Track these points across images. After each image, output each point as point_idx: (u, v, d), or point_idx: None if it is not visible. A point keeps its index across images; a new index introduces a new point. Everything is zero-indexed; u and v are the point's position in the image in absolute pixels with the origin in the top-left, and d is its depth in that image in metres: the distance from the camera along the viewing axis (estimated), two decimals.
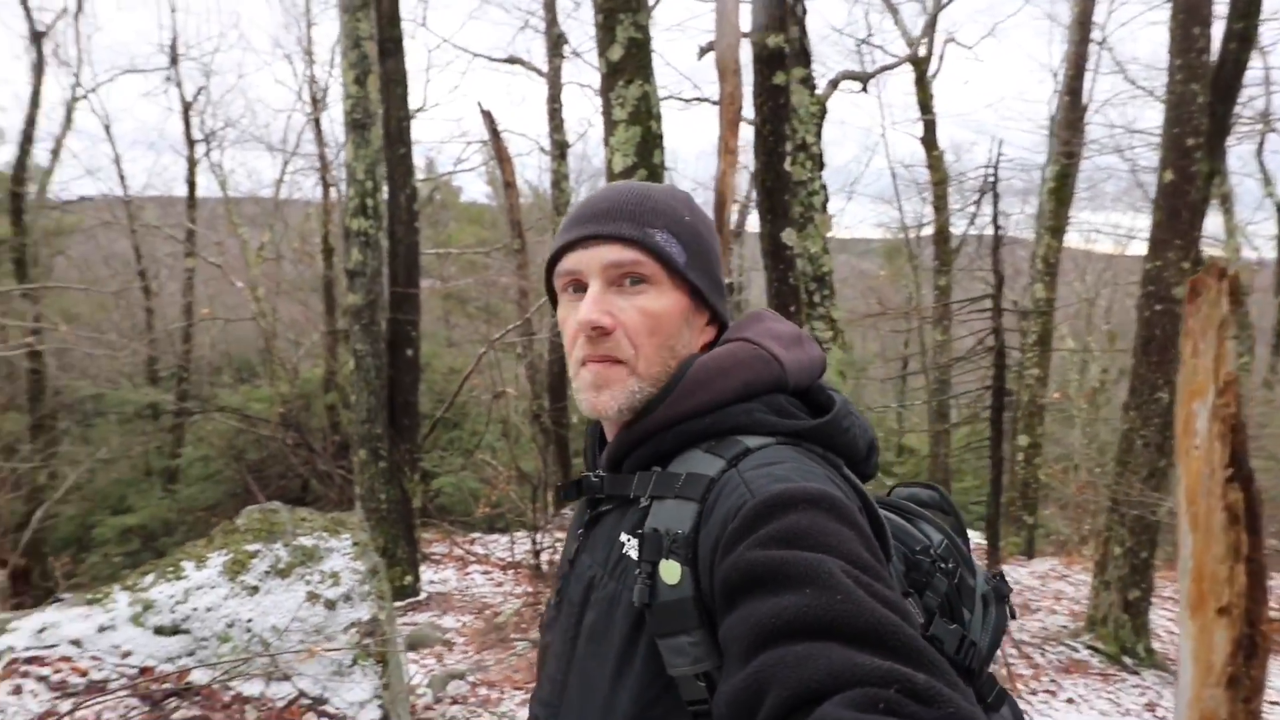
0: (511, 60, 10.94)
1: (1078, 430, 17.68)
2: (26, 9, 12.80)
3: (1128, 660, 6.40)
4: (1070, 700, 5.58)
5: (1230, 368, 2.65)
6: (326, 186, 12.79)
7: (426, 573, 7.54)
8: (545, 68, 10.29)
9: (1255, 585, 2.89)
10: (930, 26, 13.23)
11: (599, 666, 0.84)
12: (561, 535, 8.83)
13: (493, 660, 5.52)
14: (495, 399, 10.81)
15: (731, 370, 0.87)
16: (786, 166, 3.18)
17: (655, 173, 3.75)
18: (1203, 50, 5.91)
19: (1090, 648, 6.56)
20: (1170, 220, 6.46)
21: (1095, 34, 11.38)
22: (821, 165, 4.41)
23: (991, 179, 7.40)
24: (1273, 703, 5.63)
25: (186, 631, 3.25)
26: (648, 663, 0.80)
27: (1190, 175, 6.23)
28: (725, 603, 0.72)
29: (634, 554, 0.82)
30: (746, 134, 6.29)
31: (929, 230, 15.47)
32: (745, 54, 3.72)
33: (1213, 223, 11.42)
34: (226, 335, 17.08)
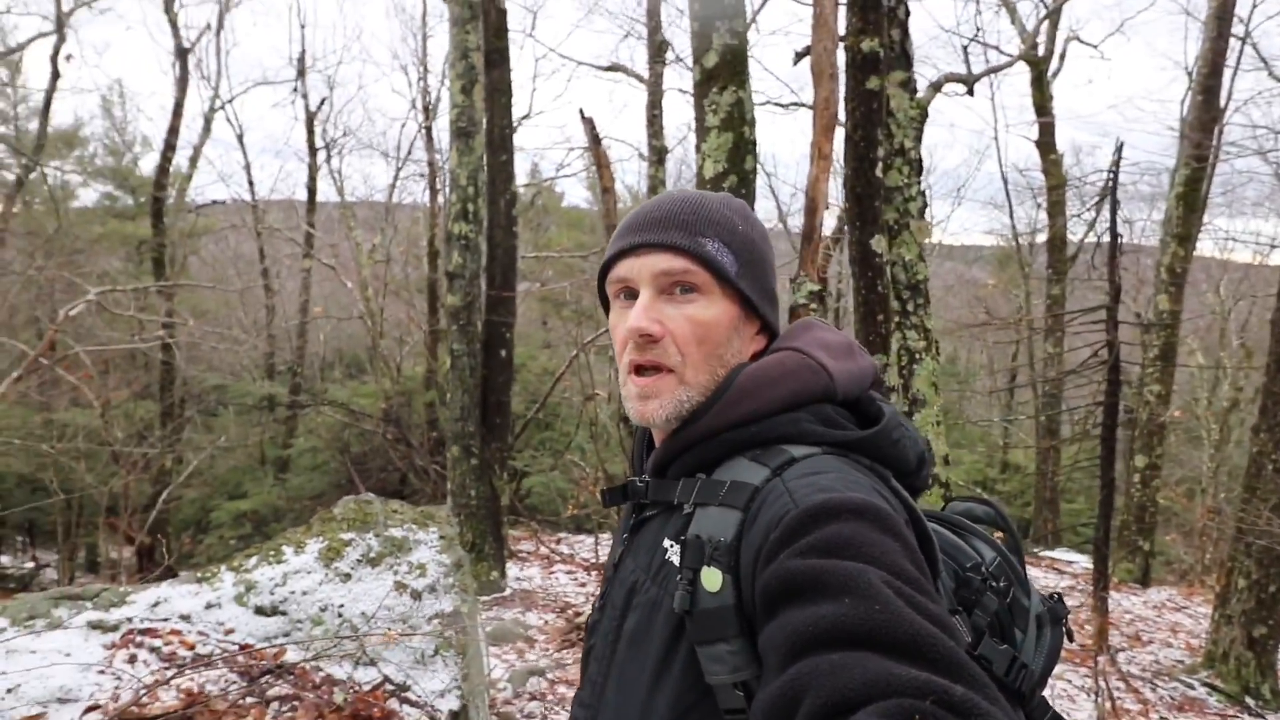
0: (614, 68, 11.10)
1: (1205, 452, 16.45)
2: (175, 27, 13.90)
3: (1250, 701, 5.90)
4: None
5: None
6: (434, 192, 13.32)
7: (512, 569, 7.71)
8: (646, 74, 10.39)
9: None
10: (1052, 24, 12.60)
11: (638, 671, 0.85)
12: None
13: (571, 659, 5.59)
14: (586, 401, 10.96)
15: (779, 379, 0.87)
16: (879, 173, 3.09)
17: (746, 179, 3.73)
18: None
19: (1208, 685, 6.09)
20: None
21: (1237, 28, 10.57)
22: (920, 170, 4.26)
23: (1112, 182, 6.97)
24: None
25: (284, 613, 3.43)
26: (686, 669, 0.80)
27: None
28: (765, 611, 0.72)
29: (676, 560, 0.83)
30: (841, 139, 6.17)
31: (1043, 237, 14.73)
32: (842, 58, 3.66)
33: None
34: (338, 333, 18.03)
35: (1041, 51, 12.52)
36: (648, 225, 0.93)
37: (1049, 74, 13.00)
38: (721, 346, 0.91)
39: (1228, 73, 10.43)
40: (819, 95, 3.63)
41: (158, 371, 12.71)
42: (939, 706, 0.56)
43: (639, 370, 0.91)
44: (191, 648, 3.18)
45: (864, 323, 3.10)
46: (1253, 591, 6.23)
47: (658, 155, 10.32)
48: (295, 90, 15.33)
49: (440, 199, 13.67)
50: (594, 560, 8.39)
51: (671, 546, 0.85)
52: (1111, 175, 6.84)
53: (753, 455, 0.85)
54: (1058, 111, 13.46)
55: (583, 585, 7.70)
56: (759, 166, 4.05)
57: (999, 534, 0.97)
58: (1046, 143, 13.26)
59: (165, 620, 3.28)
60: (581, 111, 10.20)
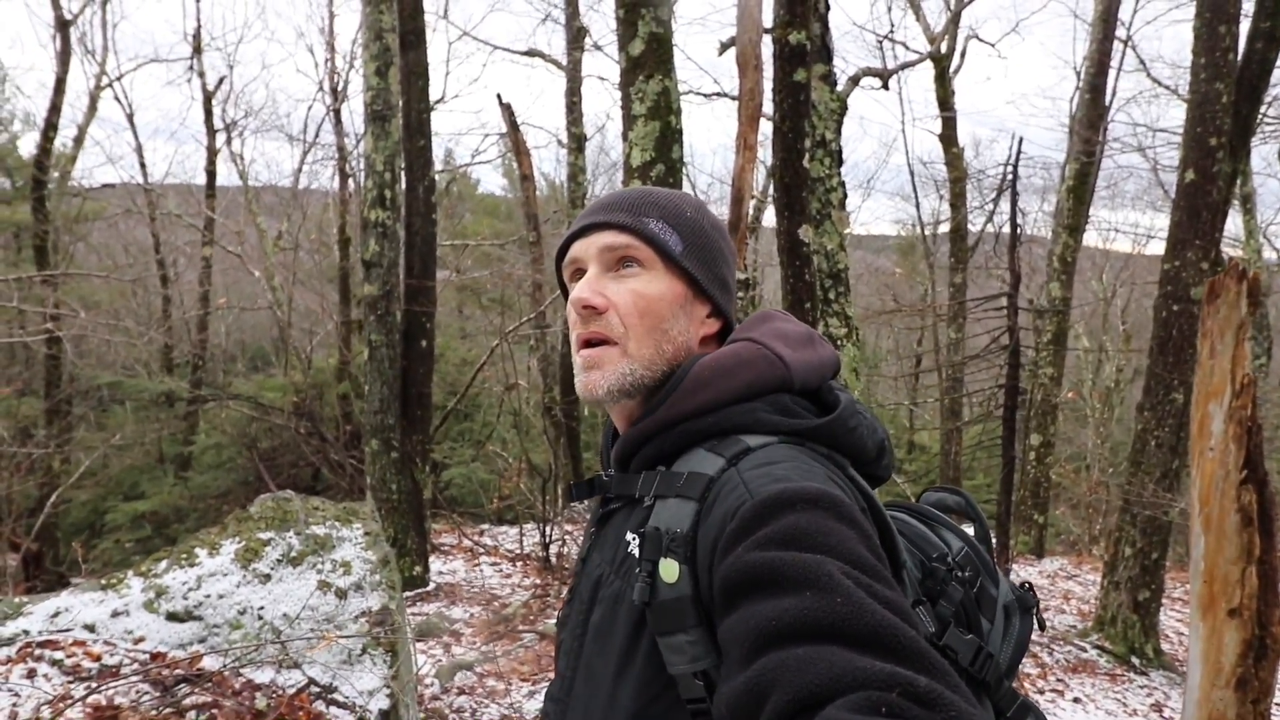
0: (531, 53, 10.93)
1: (1091, 430, 17.56)
2: None
3: (1135, 661, 6.37)
4: (1077, 700, 5.55)
5: (1247, 370, 2.62)
6: (345, 177, 12.85)
7: (435, 563, 7.58)
8: (565, 61, 10.28)
9: (1267, 588, 2.87)
10: (953, 23, 13.11)
11: (603, 664, 0.85)
12: (571, 528, 8.85)
13: (500, 652, 5.55)
14: (507, 391, 10.84)
15: (735, 370, 0.87)
16: (805, 163, 3.17)
17: (674, 168, 3.74)
18: (1228, 49, 5.83)
19: (1098, 648, 6.54)
20: (1190, 220, 6.38)
21: (1120, 31, 11.25)
22: (840, 162, 4.38)
23: (1011, 176, 7.34)
24: (1278, 705, 5.58)
25: (199, 618, 3.28)
26: (649, 661, 0.80)
27: (1212, 175, 6.15)
28: (724, 603, 0.72)
29: (636, 552, 0.83)
30: (765, 129, 6.28)
31: (945, 227, 15.37)
32: (766, 49, 3.71)
33: (1233, 223, 11.29)
34: (241, 324, 17.22)
35: (944, 49, 13.02)
36: (597, 209, 0.96)
37: (951, 71, 13.54)
38: (666, 321, 0.92)
39: (1112, 73, 11.10)
40: (744, 86, 3.68)
41: (42, 367, 11.87)
42: (905, 698, 0.56)
43: (586, 344, 0.92)
44: (98, 659, 3.00)
45: (792, 310, 3.17)
46: (1138, 559, 6.70)
47: (577, 142, 10.25)
48: (191, 68, 14.48)
49: (351, 184, 13.21)
50: (518, 551, 8.33)
51: (633, 539, 0.85)
52: (1011, 169, 7.22)
53: (710, 446, 0.85)
54: (959, 107, 14.04)
55: (508, 577, 7.64)
56: None
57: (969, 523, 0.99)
58: (949, 137, 13.82)
59: (67, 631, 3.09)
60: (499, 97, 10.04)
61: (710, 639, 0.76)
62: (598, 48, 11.26)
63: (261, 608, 3.35)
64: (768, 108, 3.56)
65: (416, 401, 6.61)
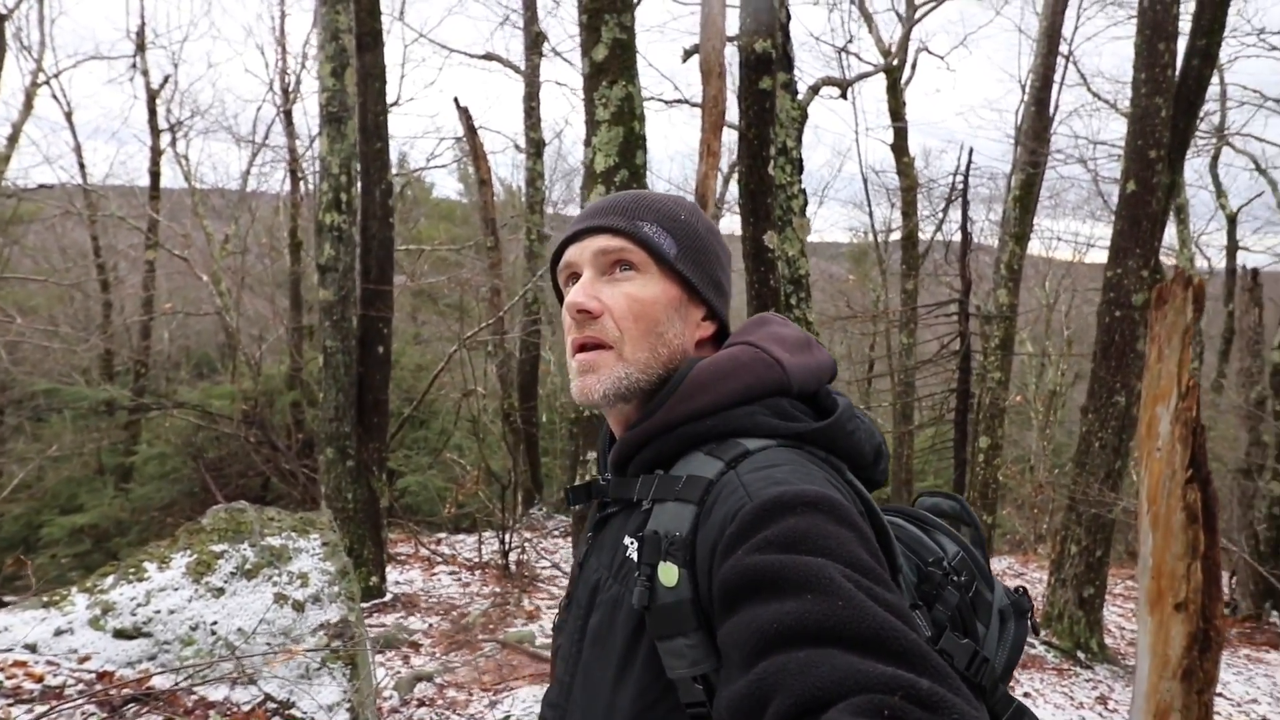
0: (489, 57, 10.85)
1: (1035, 432, 18.05)
2: None
3: (1081, 655, 6.56)
4: (1027, 694, 5.69)
5: (1192, 373, 2.72)
6: (296, 180, 12.57)
7: (392, 573, 7.45)
8: (523, 65, 10.22)
9: (1210, 582, 2.98)
10: (905, 36, 13.41)
11: (602, 669, 0.85)
12: (530, 535, 8.78)
13: (460, 662, 5.47)
14: (464, 397, 10.72)
15: (733, 373, 0.87)
16: (770, 170, 3.20)
17: (638, 174, 3.75)
18: (1167, 65, 6.07)
19: (1046, 643, 6.71)
20: (1131, 229, 6.62)
21: (1062, 47, 11.61)
22: (801, 169, 4.45)
23: (962, 185, 7.53)
24: (1218, 695, 5.80)
25: (148, 635, 3.17)
26: (648, 665, 0.80)
27: (1152, 186, 6.39)
28: (724, 607, 0.71)
29: (635, 556, 0.82)
30: (727, 137, 6.32)
31: (897, 235, 15.69)
32: (728, 57, 3.74)
33: (1167, 233, 11.74)
34: (185, 330, 16.71)
35: (896, 61, 13.31)
36: (591, 213, 0.96)
37: (902, 82, 13.84)
38: (660, 324, 0.92)
39: (1055, 87, 11.45)
40: (708, 93, 3.70)
41: None
42: (907, 700, 0.56)
43: (581, 348, 0.92)
44: (40, 680, 2.88)
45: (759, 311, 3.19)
46: (1083, 556, 6.91)
47: (536, 147, 10.21)
48: (134, 66, 14.02)
49: (303, 187, 12.94)
50: (477, 559, 8.23)
51: (631, 543, 0.85)
52: (962, 178, 7.40)
53: (708, 449, 0.85)
54: (910, 117, 14.37)
55: (466, 586, 7.54)
56: None
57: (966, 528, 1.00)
58: (900, 146, 14.11)
59: (7, 651, 2.96)
60: (456, 101, 9.96)
61: (710, 643, 0.75)
62: (556, 53, 11.24)
63: (215, 622, 3.26)
64: (730, 115, 3.59)
65: (373, 408, 6.49)
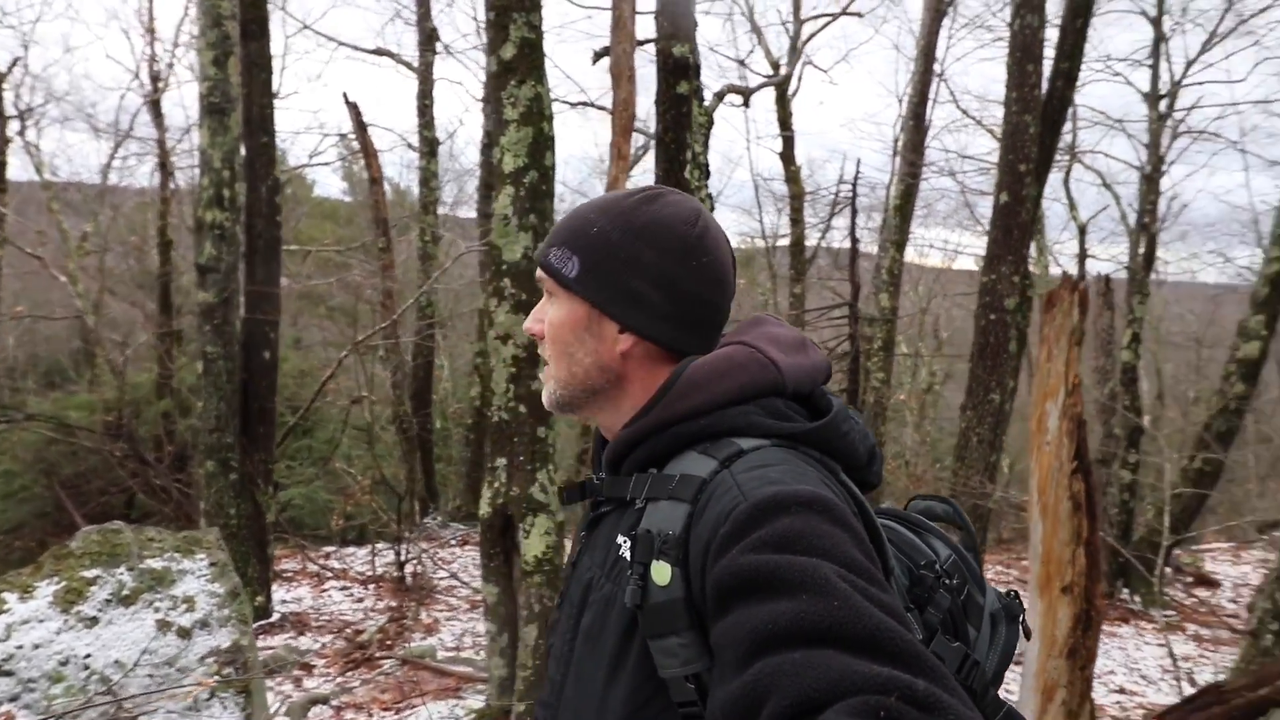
0: (380, 52, 10.42)
1: (910, 429, 19.05)
2: None
3: None
4: None
5: (1076, 372, 2.92)
6: (166, 174, 11.69)
7: (279, 592, 7.05)
8: (416, 62, 9.90)
9: (1092, 565, 3.22)
10: (793, 49, 13.88)
11: (594, 667, 0.85)
12: (426, 545, 8.51)
13: (358, 682, 5.24)
14: (354, 404, 10.29)
15: (727, 373, 0.87)
16: (686, 174, 3.22)
17: (546, 174, 3.70)
18: (1035, 85, 6.54)
19: None
20: (1005, 238, 7.09)
21: (935, 66, 12.33)
22: (709, 174, 4.52)
23: (852, 193, 7.88)
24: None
25: (9, 673, 2.87)
26: (640, 664, 0.80)
27: (1022, 198, 6.87)
28: (718, 607, 0.71)
29: (628, 555, 0.82)
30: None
31: (785, 240, 16.20)
32: (640, 60, 3.74)
33: None
34: (31, 336, 15.29)
35: (785, 73, 13.77)
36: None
37: (790, 93, 14.34)
38: (570, 345, 0.95)
39: (930, 103, 12.15)
40: (618, 96, 3.70)
41: None
42: (903, 701, 0.56)
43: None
44: None
45: None
46: None
47: (430, 146, 9.93)
48: None
49: (173, 183, 12.07)
50: (370, 573, 7.90)
51: (624, 542, 0.84)
52: (852, 186, 7.74)
53: (702, 448, 0.85)
54: (797, 127, 14.90)
55: (359, 601, 7.22)
56: None
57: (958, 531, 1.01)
58: (788, 155, 14.60)
59: None
60: (345, 96, 9.54)
61: (703, 642, 0.75)
62: (449, 51, 10.95)
63: (88, 656, 2.98)
64: (642, 117, 3.60)
65: (258, 418, 6.10)
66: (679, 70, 3.23)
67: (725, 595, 0.70)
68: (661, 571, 0.77)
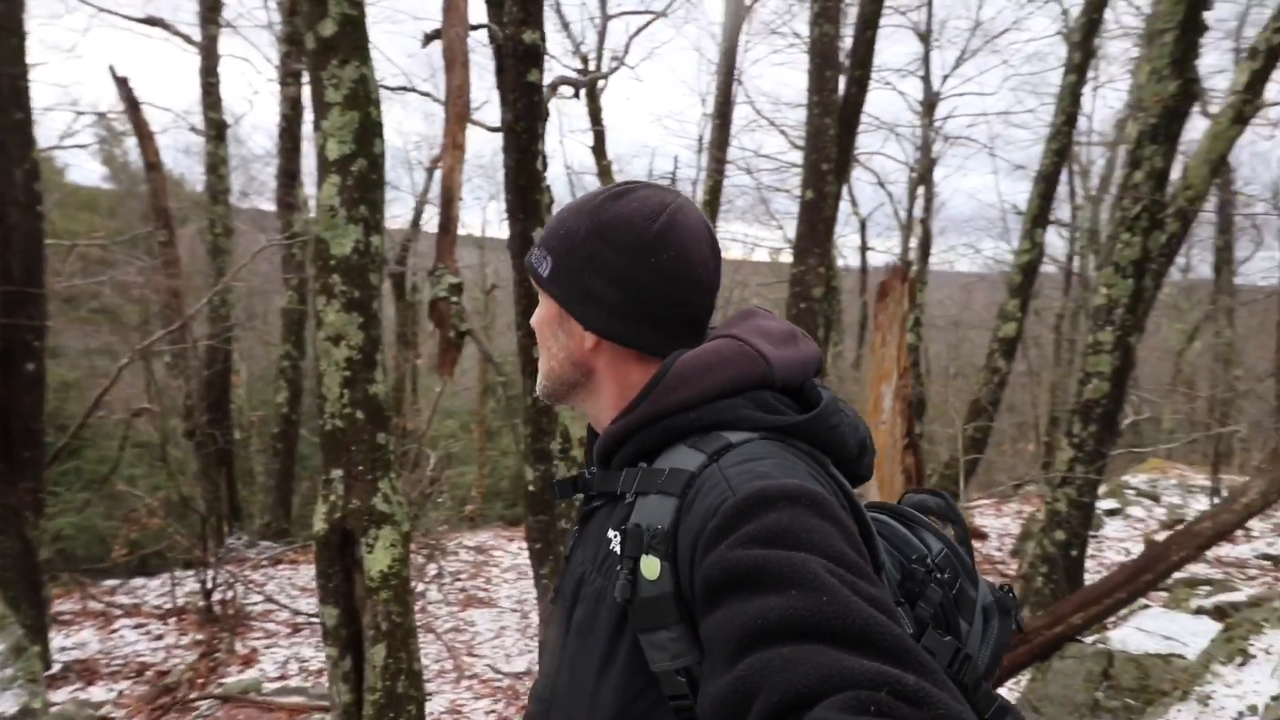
0: (153, 22, 9.19)
1: None
2: None
3: None
4: None
5: (906, 356, 3.19)
6: None
7: (57, 639, 6.13)
8: (198, 35, 8.87)
9: None
10: (600, 45, 14.04)
11: (586, 661, 0.85)
12: (235, 569, 7.76)
13: None
14: (135, 417, 9.15)
15: (716, 366, 0.87)
16: (538, 166, 3.13)
17: (376, 162, 3.48)
18: (833, 90, 7.05)
19: None
20: (811, 232, 7.60)
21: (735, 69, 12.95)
22: (546, 165, 4.45)
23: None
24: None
25: None
26: (631, 658, 0.80)
27: (825, 195, 7.40)
28: (707, 601, 0.71)
29: (618, 549, 0.81)
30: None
31: None
32: (472, 43, 3.59)
33: None
34: None
35: (600, 67, 13.90)
36: None
37: (599, 89, 14.48)
38: (548, 340, 0.99)
39: (732, 103, 12.76)
40: (451, 83, 3.56)
41: None
42: (893, 696, 0.57)
43: None
44: None
45: (525, 314, 3.11)
46: None
47: (217, 129, 8.99)
48: None
49: None
50: (169, 606, 7.08)
51: (614, 536, 0.84)
52: (671, 180, 7.98)
53: (691, 442, 0.84)
54: (606, 123, 15.10)
55: (159, 639, 6.45)
56: None
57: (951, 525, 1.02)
58: (599, 149, 14.77)
59: None
60: (113, 70, 8.39)
61: (692, 636, 0.75)
62: (232, 27, 9.94)
63: None
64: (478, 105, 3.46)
65: (22, 440, 5.24)
66: (530, 57, 3.14)
67: (714, 590, 0.70)
68: (651, 566, 0.77)
